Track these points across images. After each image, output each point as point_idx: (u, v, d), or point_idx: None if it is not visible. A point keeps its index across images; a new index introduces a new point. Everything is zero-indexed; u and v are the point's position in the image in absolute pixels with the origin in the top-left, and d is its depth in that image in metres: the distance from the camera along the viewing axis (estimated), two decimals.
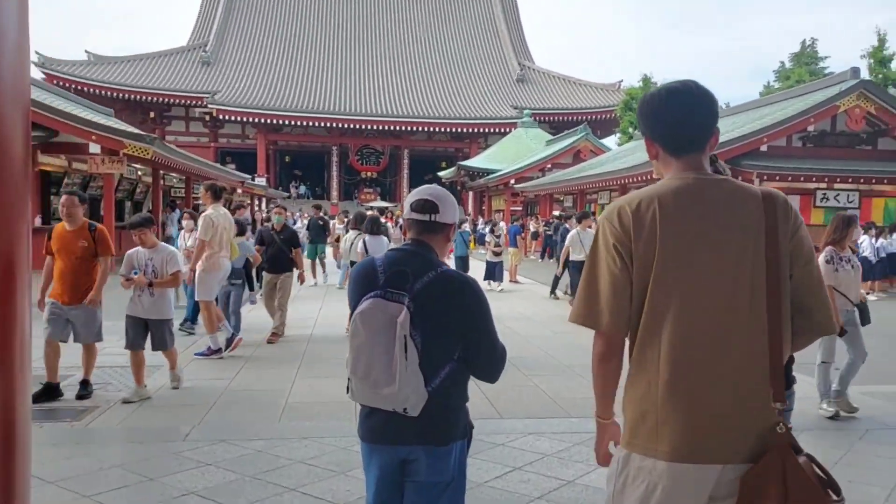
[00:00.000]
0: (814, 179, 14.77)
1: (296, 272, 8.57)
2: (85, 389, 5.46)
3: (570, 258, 11.19)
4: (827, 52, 48.06)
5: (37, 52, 41.54)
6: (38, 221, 13.36)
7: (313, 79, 46.96)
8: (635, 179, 16.63)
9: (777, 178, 14.32)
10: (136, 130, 14.51)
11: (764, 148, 14.55)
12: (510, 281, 16.39)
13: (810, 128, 14.55)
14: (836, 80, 15.40)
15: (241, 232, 7.79)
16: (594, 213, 14.99)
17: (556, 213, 25.73)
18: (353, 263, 9.71)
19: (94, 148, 13.24)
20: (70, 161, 15.64)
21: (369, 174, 46.38)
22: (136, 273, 5.45)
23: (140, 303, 5.50)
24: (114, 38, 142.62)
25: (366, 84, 47.10)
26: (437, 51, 52.79)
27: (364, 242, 8.57)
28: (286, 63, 48.58)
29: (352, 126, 42.87)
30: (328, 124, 42.66)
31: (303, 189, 46.80)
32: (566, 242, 11.46)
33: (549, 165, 30.23)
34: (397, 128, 43.12)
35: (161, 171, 18.50)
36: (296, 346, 7.85)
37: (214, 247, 7.00)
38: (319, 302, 11.32)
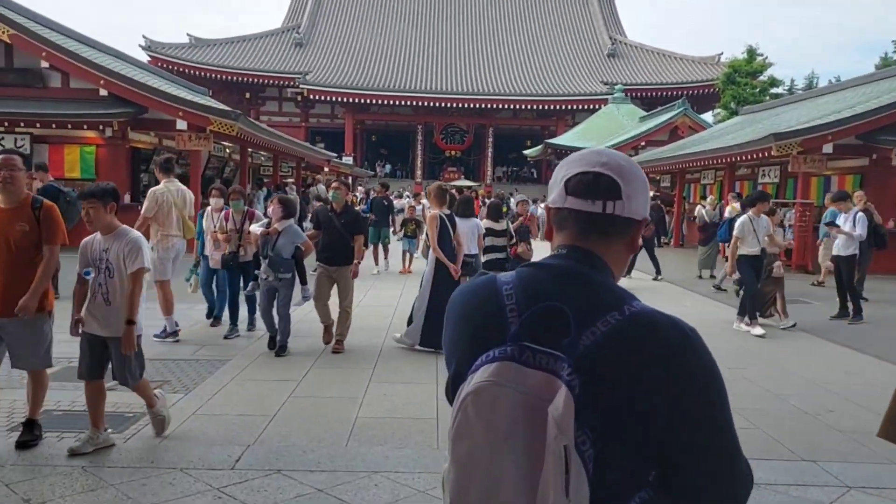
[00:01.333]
0: None
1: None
2: (31, 434, 4.01)
3: (741, 252, 8.67)
4: None
5: (144, 36, 43.60)
6: (126, 198, 13.69)
7: (400, 58, 46.86)
8: (745, 157, 15.34)
9: None
10: (223, 107, 14.58)
11: None
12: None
13: None
14: None
15: (288, 214, 6.61)
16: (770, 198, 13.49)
17: (651, 193, 24.42)
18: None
19: (181, 124, 13.42)
20: (160, 138, 15.96)
21: (453, 153, 45.99)
22: (88, 274, 3.95)
23: (94, 313, 3.97)
24: (216, 21, 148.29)
25: (452, 62, 46.57)
26: (524, 26, 51.49)
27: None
28: (375, 43, 48.74)
29: (437, 104, 42.52)
30: (414, 103, 42.50)
31: (388, 168, 46.96)
32: (735, 232, 8.74)
33: (643, 143, 28.89)
34: (482, 105, 42.41)
35: (249, 150, 18.66)
36: (373, 341, 7.29)
37: (163, 225, 6.82)
38: (398, 287, 10.81)
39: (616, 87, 37.93)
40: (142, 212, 6.82)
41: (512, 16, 52.62)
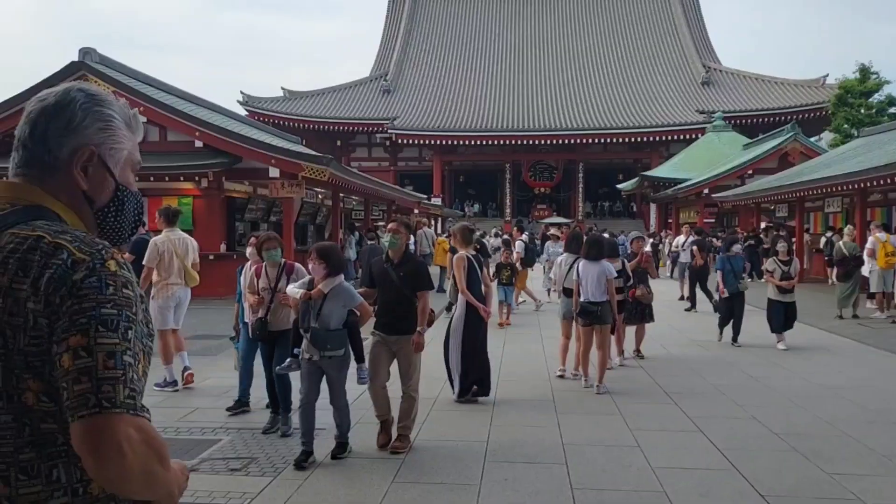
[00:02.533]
0: None
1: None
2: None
3: None
4: None
5: (241, 92, 45.74)
6: (222, 248, 13.59)
7: (486, 98, 46.83)
8: (881, 182, 13.64)
9: None
10: (314, 153, 14.38)
11: None
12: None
13: None
14: None
15: (335, 269, 4.88)
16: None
17: (763, 224, 22.54)
18: (567, 291, 8.12)
19: (274, 172, 13.25)
20: (255, 187, 15.95)
21: (542, 190, 45.10)
22: None
23: None
24: (309, 75, 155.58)
25: (538, 98, 46.06)
26: (611, 57, 50.47)
27: (578, 269, 7.17)
28: (460, 85, 49.06)
29: (524, 142, 41.93)
30: (501, 142, 42.09)
31: (476, 207, 46.51)
32: None
33: (749, 171, 27.02)
34: (571, 141, 41.45)
35: (341, 195, 18.47)
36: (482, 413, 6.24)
37: (162, 274, 6.89)
38: (497, 344, 9.34)
39: (715, 114, 36.12)
40: (144, 262, 6.92)
41: (599, 48, 51.76)
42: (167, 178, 13.38)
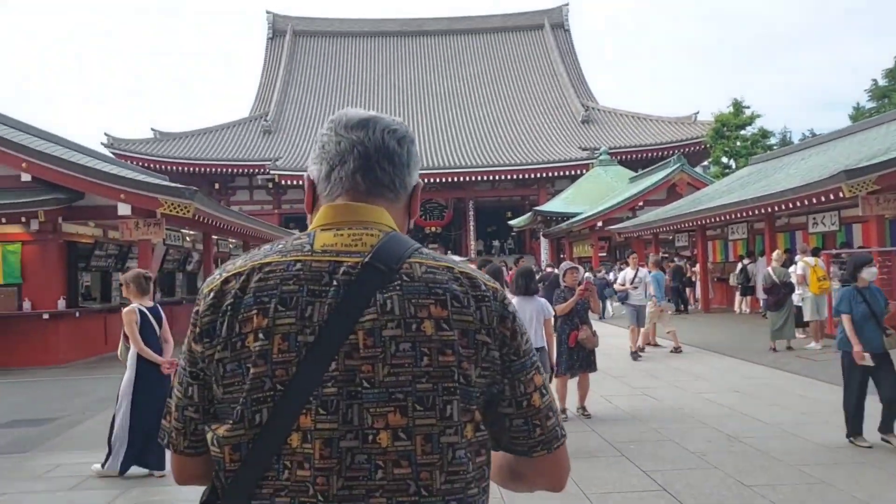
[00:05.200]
0: None
1: None
2: None
3: None
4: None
5: (105, 134, 41.81)
6: (61, 304, 10.87)
7: None
8: (793, 205, 13.21)
9: None
10: (173, 184, 12.00)
11: None
12: (648, 344, 13.01)
13: None
14: None
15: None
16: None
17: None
18: None
19: (124, 209, 10.74)
20: (105, 229, 13.29)
21: (433, 229, 44.02)
22: None
23: None
24: (178, 115, 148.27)
25: (425, 138, 45.29)
26: (494, 98, 50.86)
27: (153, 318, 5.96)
28: None
29: None
30: None
31: None
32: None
33: (640, 203, 26.99)
34: (460, 179, 40.75)
35: (214, 237, 16.02)
36: None
37: None
38: None
39: (601, 149, 36.57)
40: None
41: (481, 88, 52.03)
42: None
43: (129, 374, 5.64)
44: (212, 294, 1.12)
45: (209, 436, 1.10)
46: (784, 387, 8.94)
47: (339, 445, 1.04)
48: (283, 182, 39.73)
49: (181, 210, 10.56)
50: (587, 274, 8.60)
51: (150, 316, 5.70)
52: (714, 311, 19.16)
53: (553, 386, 7.20)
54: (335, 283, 1.08)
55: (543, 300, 6.74)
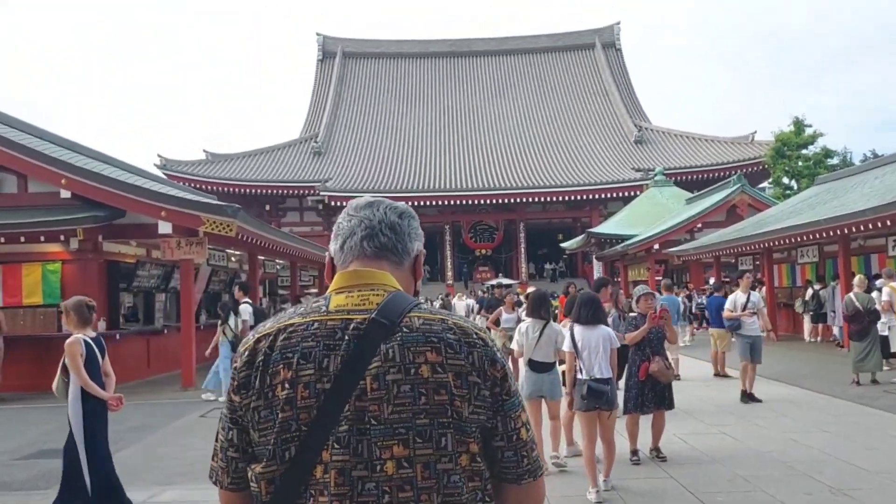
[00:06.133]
0: None
1: None
2: None
3: None
4: None
5: (158, 155, 42.66)
6: (101, 326, 10.57)
7: (421, 160, 45.43)
8: (868, 227, 12.13)
9: None
10: (215, 201, 11.65)
11: None
12: (716, 374, 12.07)
13: None
14: None
15: None
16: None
17: (712, 280, 21.02)
18: (536, 365, 6.49)
19: (165, 227, 10.39)
20: (148, 249, 13.06)
21: (484, 251, 43.37)
22: None
23: None
24: (229, 138, 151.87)
25: (475, 159, 44.95)
26: (545, 118, 50.24)
27: (572, 334, 5.76)
28: (395, 147, 47.66)
29: (463, 202, 40.33)
30: (438, 202, 40.30)
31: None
32: None
33: (699, 225, 25.80)
34: (510, 200, 40.15)
35: (260, 257, 15.71)
36: None
37: None
38: None
39: (657, 169, 35.41)
40: None
41: (532, 109, 51.49)
42: (22, 239, 10.35)
43: (76, 416, 5.09)
44: (247, 353, 1.31)
45: (249, 473, 1.29)
46: (877, 426, 7.94)
47: (351, 474, 1.22)
48: (332, 203, 39.74)
49: (224, 228, 10.15)
50: (661, 299, 7.77)
51: (94, 347, 5.18)
52: (782, 338, 17.92)
53: (623, 424, 6.45)
54: (347, 337, 1.27)
55: (609, 329, 6.04)
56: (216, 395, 10.12)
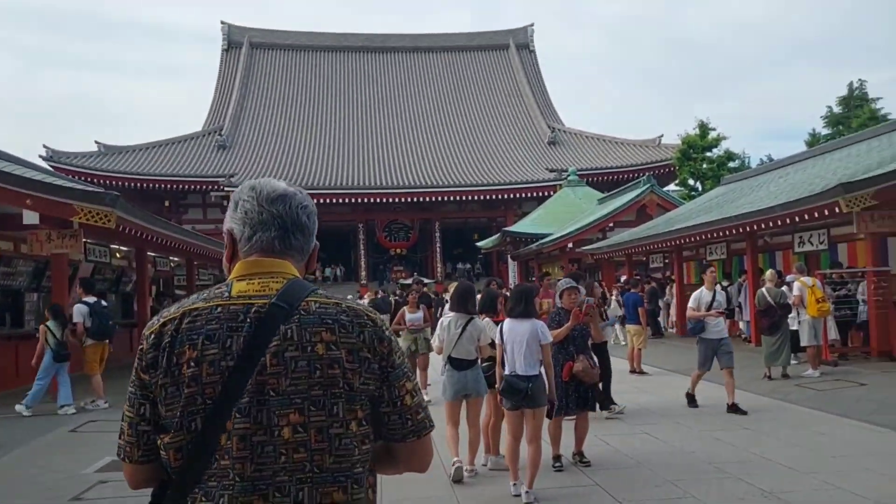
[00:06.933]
0: None
1: None
2: None
3: None
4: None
5: (44, 146, 39.39)
6: None
7: (334, 156, 44.21)
8: (777, 223, 12.32)
9: None
10: (91, 188, 10.35)
11: None
12: (632, 371, 11.89)
13: None
14: None
15: None
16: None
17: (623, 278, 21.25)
18: (454, 362, 6.04)
19: (31, 217, 9.05)
20: (15, 243, 11.56)
21: (399, 250, 42.64)
22: None
23: None
24: (126, 131, 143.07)
25: (390, 157, 44.18)
26: (459, 117, 50.11)
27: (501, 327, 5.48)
28: (306, 142, 46.17)
29: (377, 200, 39.47)
30: (351, 200, 39.25)
31: (328, 272, 42.87)
32: None
33: (610, 224, 26.16)
34: (426, 199, 39.66)
35: (149, 253, 14.36)
36: None
37: None
38: None
39: (570, 170, 35.83)
40: None
41: (447, 108, 51.26)
42: None
43: None
44: (153, 336, 1.44)
45: (159, 443, 1.41)
46: (795, 422, 7.84)
47: (251, 440, 1.37)
48: None
49: (101, 219, 8.91)
50: (588, 297, 7.30)
51: None
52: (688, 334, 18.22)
53: (545, 427, 5.96)
54: (248, 319, 1.42)
55: (540, 323, 5.53)
56: (30, 411, 8.96)
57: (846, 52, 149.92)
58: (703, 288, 8.68)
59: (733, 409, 8.21)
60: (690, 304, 8.64)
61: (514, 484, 5.43)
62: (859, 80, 46.60)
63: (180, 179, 40.05)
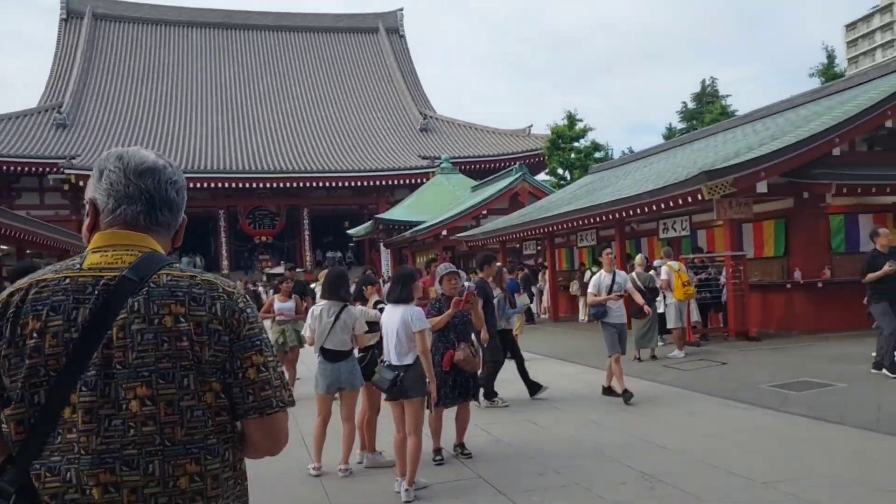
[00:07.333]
0: (888, 190, 11.32)
1: None
2: None
3: None
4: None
5: None
6: None
7: (191, 138, 41.46)
8: (644, 210, 12.74)
9: (859, 190, 10.73)
10: None
11: (837, 152, 10.94)
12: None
13: (888, 123, 11.10)
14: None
15: None
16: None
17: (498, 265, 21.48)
18: (327, 353, 5.65)
19: None
20: None
21: (264, 238, 40.74)
22: None
23: None
24: None
25: (254, 141, 42.05)
26: (330, 101, 48.73)
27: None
28: (159, 122, 42.95)
29: (240, 185, 37.41)
30: (211, 184, 36.88)
31: (185, 261, 40.21)
32: None
33: (484, 211, 26.34)
34: (293, 185, 38.11)
35: None
36: None
37: None
38: None
39: (443, 157, 35.79)
40: None
41: (316, 91, 49.64)
42: None
43: None
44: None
45: (1, 416, 1.38)
46: (668, 401, 8.00)
47: (98, 413, 1.35)
48: (80, 183, 34.27)
49: None
50: (472, 284, 7.02)
51: None
52: (562, 320, 18.63)
53: (426, 420, 5.57)
54: (96, 292, 1.40)
55: (415, 309, 5.12)
56: None
57: (699, 52, 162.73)
58: (601, 271, 8.31)
59: (614, 391, 8.14)
60: (590, 289, 8.24)
61: (399, 480, 5.12)
62: (711, 77, 50.46)
63: (10, 160, 35.72)
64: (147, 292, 1.39)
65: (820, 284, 11.72)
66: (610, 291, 8.00)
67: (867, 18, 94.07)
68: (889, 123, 11.16)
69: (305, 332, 6.07)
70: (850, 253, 11.89)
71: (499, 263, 9.73)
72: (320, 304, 5.81)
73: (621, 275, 8.39)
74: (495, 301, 8.26)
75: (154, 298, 1.39)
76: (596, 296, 8.08)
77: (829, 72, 27.89)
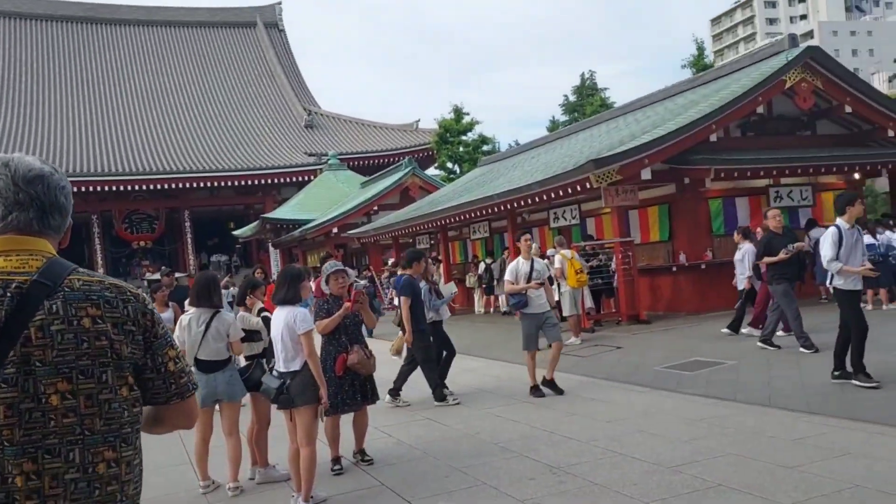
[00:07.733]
0: (762, 173, 11.93)
1: None
2: None
3: None
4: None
5: None
6: None
7: (56, 138, 38.28)
8: (535, 199, 12.80)
9: (735, 174, 11.21)
10: None
11: (714, 138, 11.39)
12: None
13: (760, 109, 11.68)
14: (773, 50, 12.84)
15: None
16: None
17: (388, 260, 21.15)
18: (201, 364, 5.19)
19: None
20: None
21: (143, 243, 38.22)
22: None
23: None
24: None
25: (127, 141, 39.32)
26: (208, 98, 46.44)
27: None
28: (17, 122, 39.36)
29: (113, 188, 34.83)
30: (82, 189, 34.07)
31: (213, 260, 37.35)
32: None
33: (375, 207, 25.94)
34: (172, 186, 35.92)
35: None
36: None
37: None
38: None
39: (330, 154, 34.99)
40: None
41: (193, 88, 47.11)
42: None
43: None
44: None
45: None
46: (569, 389, 7.91)
47: (19, 407, 1.44)
48: None
49: None
50: (363, 282, 6.65)
51: None
52: (458, 313, 18.56)
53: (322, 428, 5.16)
54: (9, 294, 1.47)
55: (299, 311, 4.73)
56: None
57: (578, 48, 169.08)
58: (519, 258, 7.78)
59: (549, 384, 7.67)
60: (507, 276, 7.71)
61: (295, 496, 4.77)
62: (590, 71, 52.25)
63: None
64: (63, 296, 1.49)
65: (703, 266, 12.21)
66: (529, 279, 7.49)
67: (730, 13, 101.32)
68: (760, 109, 11.76)
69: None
70: (729, 235, 12.48)
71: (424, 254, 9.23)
72: (189, 313, 5.34)
73: (540, 262, 7.95)
74: (422, 293, 7.93)
75: (71, 301, 1.49)
76: (513, 284, 7.56)
77: (699, 63, 29.53)
